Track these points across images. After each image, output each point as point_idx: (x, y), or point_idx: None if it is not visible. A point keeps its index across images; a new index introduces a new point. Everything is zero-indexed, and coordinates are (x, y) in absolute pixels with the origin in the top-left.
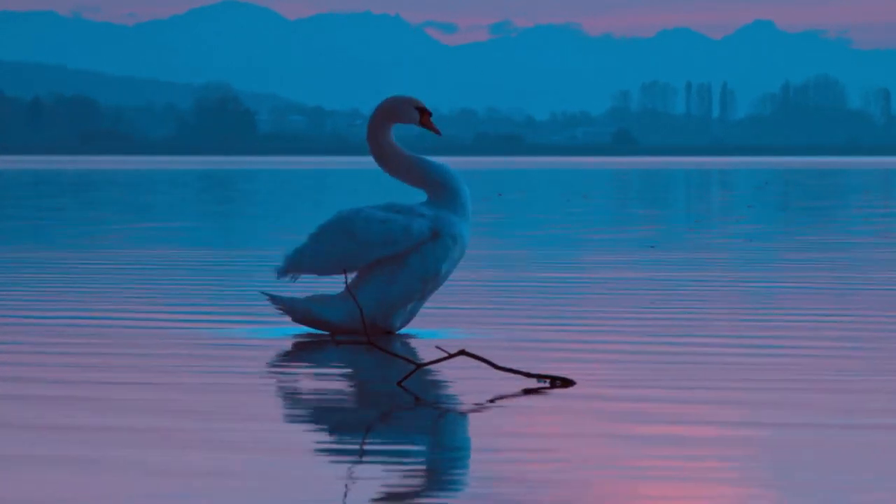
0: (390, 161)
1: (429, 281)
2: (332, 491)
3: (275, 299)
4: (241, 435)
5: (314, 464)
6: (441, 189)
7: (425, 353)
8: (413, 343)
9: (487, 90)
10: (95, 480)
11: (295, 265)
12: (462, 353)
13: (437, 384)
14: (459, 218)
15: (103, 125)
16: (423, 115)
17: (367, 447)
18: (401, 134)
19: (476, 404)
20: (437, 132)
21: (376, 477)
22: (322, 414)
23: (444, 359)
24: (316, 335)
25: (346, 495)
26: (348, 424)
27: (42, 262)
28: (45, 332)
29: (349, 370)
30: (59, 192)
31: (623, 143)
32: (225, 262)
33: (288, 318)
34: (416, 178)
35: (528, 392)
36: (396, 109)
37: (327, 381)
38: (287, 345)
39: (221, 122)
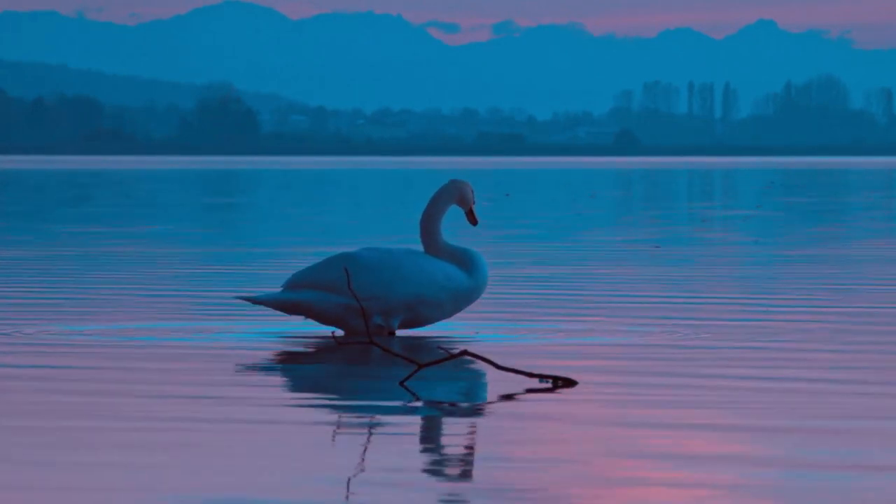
0: (433, 246)
1: (411, 305)
2: (333, 489)
3: (255, 300)
4: (244, 433)
5: (316, 462)
6: (470, 267)
7: (428, 352)
8: (415, 343)
9: (489, 90)
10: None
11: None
12: (464, 353)
13: (440, 384)
14: (469, 279)
15: (106, 125)
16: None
17: (369, 446)
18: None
19: (478, 404)
20: (475, 223)
21: (378, 476)
22: (324, 413)
23: (447, 359)
24: (318, 336)
25: (347, 494)
26: (350, 424)
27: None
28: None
29: (351, 370)
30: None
31: (625, 143)
32: (226, 262)
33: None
34: (449, 258)
35: (530, 392)
36: (465, 192)
37: (330, 381)
38: (289, 345)
39: (224, 122)
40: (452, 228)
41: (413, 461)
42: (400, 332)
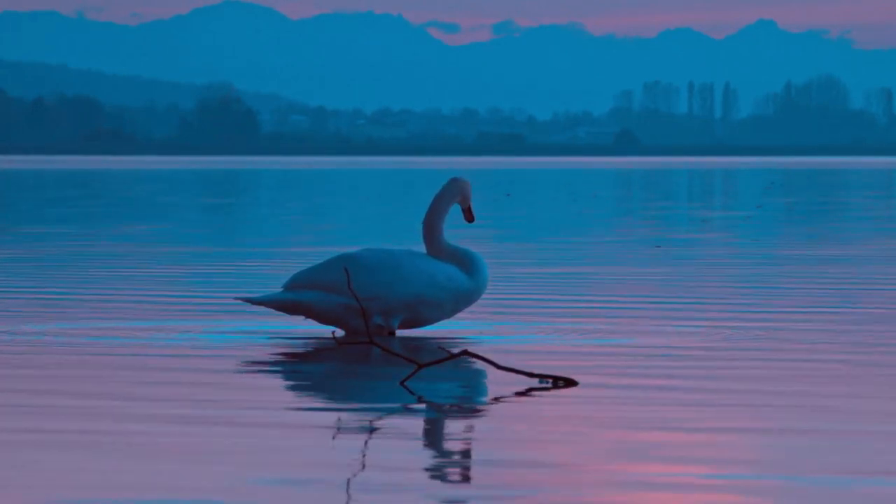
0: (435, 246)
1: (411, 305)
2: (333, 488)
3: (252, 300)
4: (244, 433)
5: (317, 462)
6: (470, 268)
7: (428, 352)
8: (416, 343)
9: (489, 90)
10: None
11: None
12: (464, 352)
13: (440, 384)
14: (469, 280)
15: (106, 125)
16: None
17: (369, 447)
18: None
19: (478, 404)
20: (472, 220)
21: (378, 476)
22: (324, 413)
23: (447, 359)
24: (318, 336)
25: (347, 494)
26: (350, 424)
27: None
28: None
29: (351, 370)
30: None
31: (625, 143)
32: (226, 262)
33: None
34: (450, 259)
35: (530, 392)
36: (466, 190)
37: (330, 381)
38: (289, 345)
39: (224, 122)
40: (452, 228)
41: (413, 461)
42: (400, 332)
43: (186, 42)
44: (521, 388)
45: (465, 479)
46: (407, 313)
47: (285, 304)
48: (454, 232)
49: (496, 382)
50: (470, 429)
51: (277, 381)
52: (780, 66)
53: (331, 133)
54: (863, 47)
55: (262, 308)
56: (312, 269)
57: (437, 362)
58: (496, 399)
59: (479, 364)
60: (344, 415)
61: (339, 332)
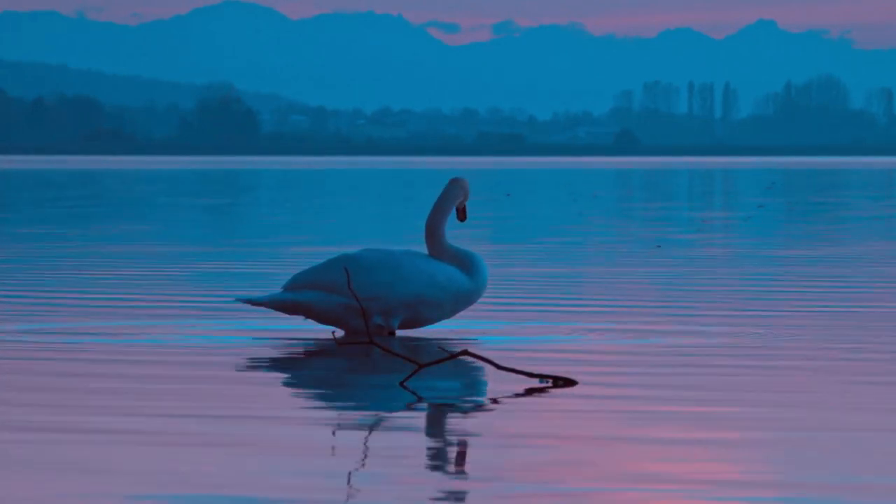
0: (437, 247)
1: (411, 305)
2: (332, 489)
3: (253, 301)
4: (244, 433)
5: (316, 462)
6: (470, 269)
7: (428, 352)
8: (416, 343)
9: (489, 90)
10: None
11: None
12: (464, 352)
13: (440, 384)
14: (469, 280)
15: (106, 125)
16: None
17: (369, 447)
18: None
19: (478, 404)
20: (464, 219)
21: (378, 476)
22: (324, 413)
23: (447, 359)
24: (318, 336)
25: (346, 494)
26: (350, 424)
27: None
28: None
29: (351, 370)
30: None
31: (625, 143)
32: (226, 263)
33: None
34: (451, 260)
35: (530, 392)
36: (467, 189)
37: (330, 381)
38: (289, 345)
39: (224, 122)
40: (449, 229)
41: (412, 461)
42: (400, 332)
43: (186, 42)
44: (521, 388)
45: (464, 479)
46: (407, 313)
47: (285, 305)
48: (451, 232)
49: (496, 382)
50: (469, 429)
51: (277, 382)
52: (780, 66)
53: (331, 133)
54: (863, 47)
55: (261, 308)
56: (312, 270)
57: (438, 362)
58: (496, 399)
59: (480, 364)
60: (344, 415)
61: (339, 333)
